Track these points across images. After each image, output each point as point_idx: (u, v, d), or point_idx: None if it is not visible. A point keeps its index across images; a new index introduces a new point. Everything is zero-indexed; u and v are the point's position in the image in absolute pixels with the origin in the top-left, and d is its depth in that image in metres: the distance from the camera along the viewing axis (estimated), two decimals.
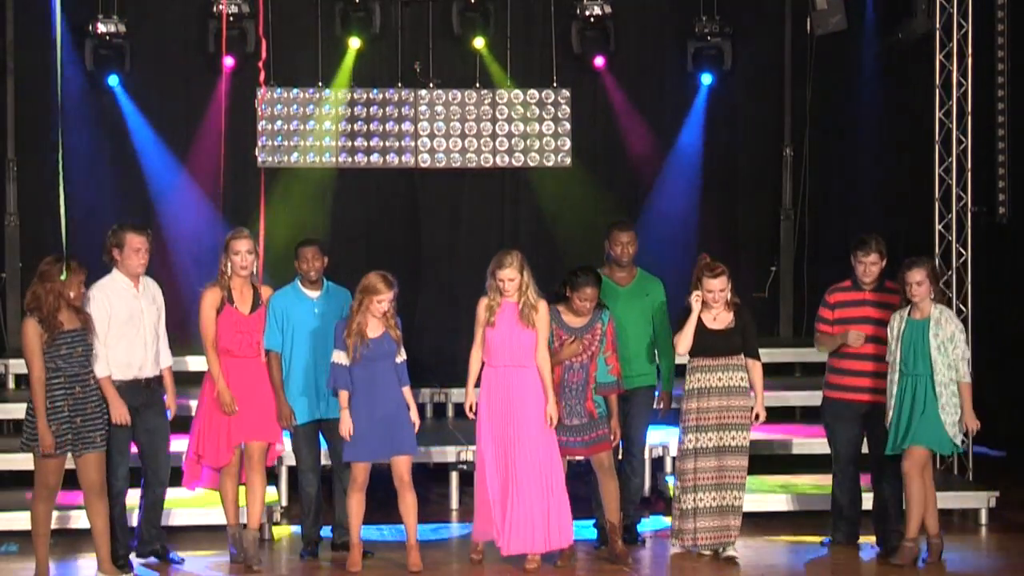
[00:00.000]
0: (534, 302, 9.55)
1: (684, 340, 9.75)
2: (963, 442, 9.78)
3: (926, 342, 9.66)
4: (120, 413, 9.32)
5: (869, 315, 10.03)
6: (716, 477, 9.77)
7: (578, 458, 9.98)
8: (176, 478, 9.90)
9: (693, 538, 9.80)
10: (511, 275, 9.53)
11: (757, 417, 9.80)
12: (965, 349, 9.72)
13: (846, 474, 10.20)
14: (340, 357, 9.44)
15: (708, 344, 9.75)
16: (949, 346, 9.66)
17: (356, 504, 9.56)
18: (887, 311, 9.95)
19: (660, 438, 11.09)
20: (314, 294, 9.93)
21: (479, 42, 13.81)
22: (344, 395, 9.46)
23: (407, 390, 9.58)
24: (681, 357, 9.95)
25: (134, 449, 9.65)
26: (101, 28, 13.19)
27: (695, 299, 9.73)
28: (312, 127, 13.90)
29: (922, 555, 9.79)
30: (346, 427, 9.45)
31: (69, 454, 9.09)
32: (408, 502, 9.55)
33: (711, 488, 9.76)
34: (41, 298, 8.99)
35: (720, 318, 9.77)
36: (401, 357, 9.54)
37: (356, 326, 9.38)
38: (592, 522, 10.21)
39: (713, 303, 9.73)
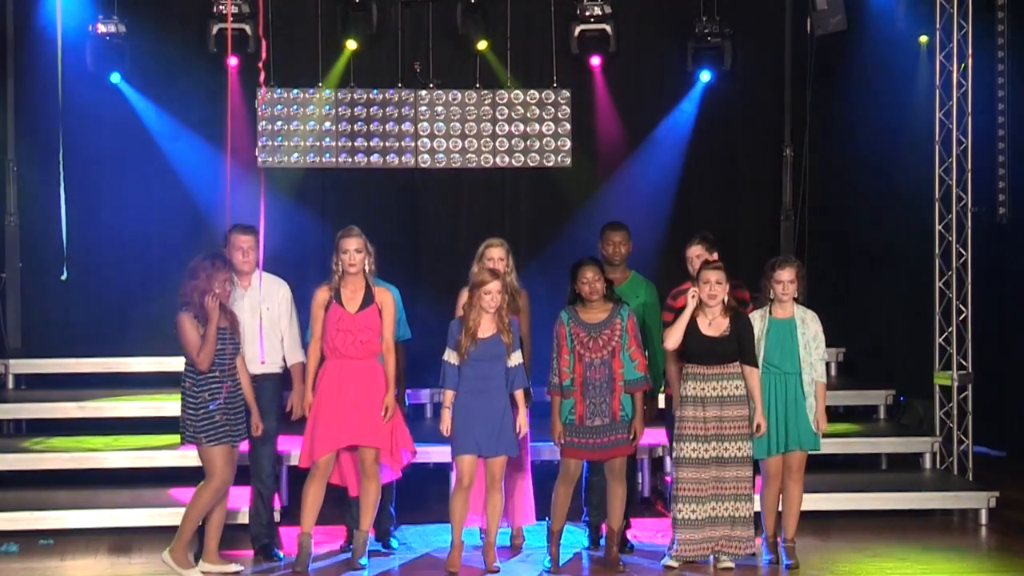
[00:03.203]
0: (518, 288, 9.87)
1: (674, 335, 9.52)
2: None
3: (794, 340, 9.63)
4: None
5: None
6: (714, 488, 9.55)
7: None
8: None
9: (704, 547, 9.56)
10: (500, 254, 9.81)
11: (758, 428, 9.56)
12: (825, 350, 9.72)
13: None
14: (451, 356, 9.57)
15: (703, 350, 9.53)
16: (812, 345, 9.64)
17: (460, 504, 9.55)
18: None
19: (661, 439, 11.06)
20: None
21: (482, 44, 13.80)
22: (449, 394, 9.56)
23: (519, 393, 9.59)
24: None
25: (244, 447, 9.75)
26: (101, 28, 13.18)
27: (691, 295, 9.57)
28: (312, 127, 13.89)
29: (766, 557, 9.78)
30: (445, 425, 9.54)
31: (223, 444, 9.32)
32: (494, 502, 9.58)
33: (710, 500, 9.55)
34: (188, 294, 9.26)
35: (716, 324, 9.55)
36: (515, 361, 9.54)
37: (469, 324, 9.48)
38: (583, 522, 10.26)
39: (710, 300, 9.52)
